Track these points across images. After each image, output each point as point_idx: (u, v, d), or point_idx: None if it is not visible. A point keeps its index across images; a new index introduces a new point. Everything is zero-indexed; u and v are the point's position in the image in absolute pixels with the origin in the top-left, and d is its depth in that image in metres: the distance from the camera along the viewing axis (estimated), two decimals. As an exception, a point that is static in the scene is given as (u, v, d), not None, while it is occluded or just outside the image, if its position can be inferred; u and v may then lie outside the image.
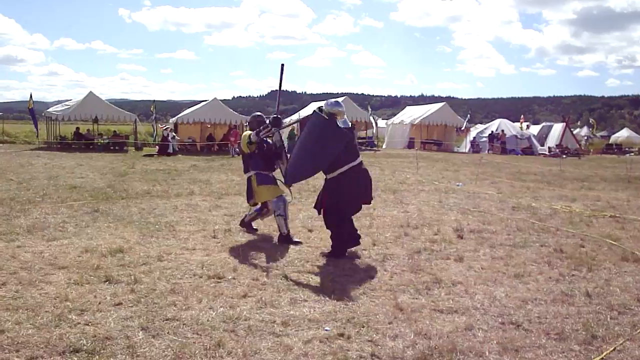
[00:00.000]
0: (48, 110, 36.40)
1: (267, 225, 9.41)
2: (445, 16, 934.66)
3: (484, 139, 38.35)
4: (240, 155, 9.12)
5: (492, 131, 38.85)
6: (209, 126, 35.30)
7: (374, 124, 37.96)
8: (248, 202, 8.98)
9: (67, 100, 37.57)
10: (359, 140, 35.85)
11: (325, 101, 7.86)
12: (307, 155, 7.46)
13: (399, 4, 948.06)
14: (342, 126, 7.44)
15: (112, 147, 31.65)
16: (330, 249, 7.58)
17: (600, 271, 6.95)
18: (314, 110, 7.62)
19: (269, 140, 8.60)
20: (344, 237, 7.51)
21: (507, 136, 37.45)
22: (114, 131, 36.49)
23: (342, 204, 7.47)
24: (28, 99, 34.97)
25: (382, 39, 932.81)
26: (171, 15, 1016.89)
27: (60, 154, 26.40)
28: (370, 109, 39.34)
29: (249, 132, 8.60)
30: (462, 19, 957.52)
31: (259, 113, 9.47)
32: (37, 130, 35.17)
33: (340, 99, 31.95)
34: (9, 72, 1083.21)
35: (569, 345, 4.62)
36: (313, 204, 8.21)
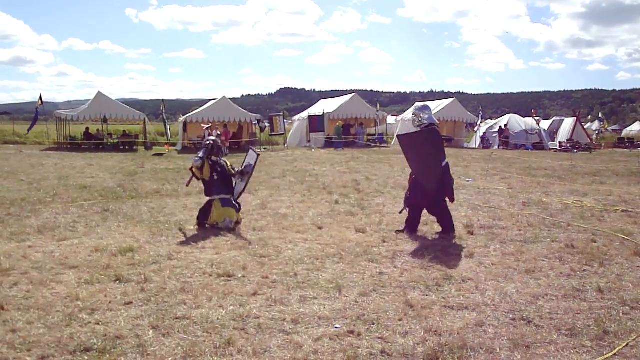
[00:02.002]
0: (57, 110, 36.58)
1: (275, 224, 9.41)
2: (452, 11, 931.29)
3: (495, 135, 38.15)
4: (201, 178, 9.55)
5: (500, 126, 38.65)
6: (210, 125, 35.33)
7: (377, 121, 37.75)
8: (200, 221, 9.22)
9: (77, 102, 37.77)
10: (368, 137, 35.83)
11: (418, 108, 9.25)
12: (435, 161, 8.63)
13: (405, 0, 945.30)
14: (428, 122, 8.84)
15: (121, 147, 31.77)
16: (446, 227, 8.72)
17: (612, 266, 6.89)
18: (431, 126, 8.78)
19: (226, 161, 9.63)
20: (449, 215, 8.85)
21: (516, 131, 37.23)
22: (124, 131, 36.58)
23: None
24: (38, 100, 35.12)
25: (390, 36, 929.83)
26: (178, 14, 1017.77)
27: (71, 154, 26.55)
28: (378, 106, 39.13)
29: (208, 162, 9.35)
30: (469, 14, 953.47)
31: (212, 139, 9.90)
32: (29, 130, 35.35)
33: (349, 96, 31.66)
34: (19, 73, 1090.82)
35: (580, 341, 4.59)
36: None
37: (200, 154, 9.27)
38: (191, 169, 9.50)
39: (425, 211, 8.91)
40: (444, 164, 8.60)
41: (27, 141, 36.21)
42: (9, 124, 40.97)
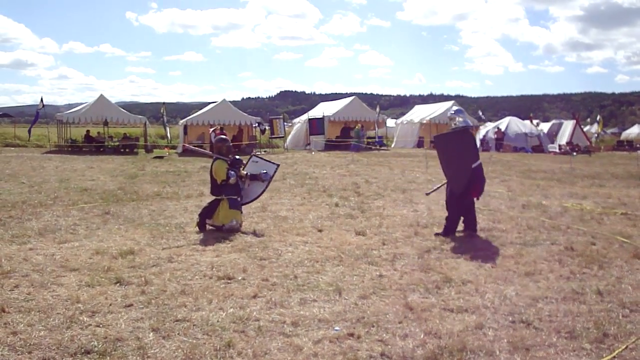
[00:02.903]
0: (59, 113, 36.62)
1: (275, 226, 9.43)
2: (451, 14, 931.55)
3: (494, 137, 38.18)
4: (210, 178, 9.60)
5: (499, 128, 38.71)
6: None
7: (376, 124, 37.78)
8: (202, 220, 9.23)
9: (78, 104, 37.86)
10: (368, 140, 35.84)
11: (453, 112, 9.40)
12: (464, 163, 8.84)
13: (404, 3, 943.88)
14: (463, 125, 9.10)
15: (122, 150, 31.80)
16: (472, 226, 8.98)
17: (611, 269, 6.90)
18: (462, 129, 9.06)
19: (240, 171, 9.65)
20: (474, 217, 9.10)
21: (516, 134, 37.27)
22: (124, 134, 36.63)
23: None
24: (39, 103, 35.18)
25: (389, 39, 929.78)
26: (178, 17, 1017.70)
27: (71, 157, 26.57)
28: (378, 109, 39.19)
29: (225, 164, 9.32)
30: (468, 17, 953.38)
31: (224, 137, 10.21)
32: (29, 133, 35.56)
33: (349, 99, 31.73)
34: (20, 76, 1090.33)
35: (580, 344, 4.60)
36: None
37: (232, 172, 9.30)
38: (227, 181, 9.28)
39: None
40: (475, 165, 8.77)
41: (29, 144, 36.23)
42: (10, 127, 41.00)
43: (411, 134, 40.16)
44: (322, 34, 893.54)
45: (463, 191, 8.84)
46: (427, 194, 10.61)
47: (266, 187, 9.99)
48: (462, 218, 9.06)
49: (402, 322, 5.09)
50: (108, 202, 12.09)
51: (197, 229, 9.16)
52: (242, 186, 9.64)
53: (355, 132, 34.04)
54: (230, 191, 9.27)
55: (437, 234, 8.84)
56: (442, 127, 39.33)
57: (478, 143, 37.90)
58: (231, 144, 9.95)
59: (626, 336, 4.75)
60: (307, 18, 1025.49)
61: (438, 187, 9.82)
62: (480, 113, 41.81)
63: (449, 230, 8.86)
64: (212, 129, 31.67)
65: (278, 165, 10.23)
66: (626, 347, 4.51)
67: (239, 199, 9.37)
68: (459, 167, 8.91)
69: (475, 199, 9.10)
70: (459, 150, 8.93)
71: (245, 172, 9.72)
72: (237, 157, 9.84)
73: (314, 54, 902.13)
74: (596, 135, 48.08)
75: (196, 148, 13.16)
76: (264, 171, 9.87)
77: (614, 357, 4.36)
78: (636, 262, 7.21)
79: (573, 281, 6.39)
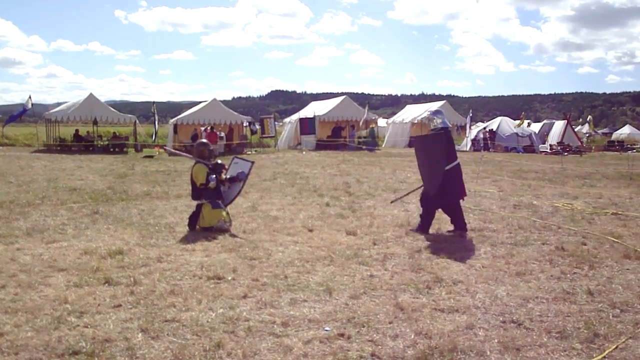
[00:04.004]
0: (47, 112, 36.38)
1: (266, 226, 9.39)
2: (442, 14, 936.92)
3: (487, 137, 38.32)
4: (191, 184, 9.54)
5: (492, 129, 38.82)
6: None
7: (366, 124, 37.83)
8: (191, 227, 9.16)
9: (66, 103, 37.60)
10: (359, 139, 35.87)
11: (431, 112, 9.46)
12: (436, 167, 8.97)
13: (395, 2, 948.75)
14: (441, 125, 9.04)
15: (111, 149, 31.65)
16: (461, 226, 9.00)
17: (602, 269, 6.91)
18: (441, 130, 9.03)
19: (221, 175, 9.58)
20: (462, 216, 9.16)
21: (507, 134, 37.41)
22: (114, 133, 36.46)
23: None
24: (27, 100, 34.91)
25: (380, 38, 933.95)
26: (168, 16, 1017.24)
27: (60, 156, 26.41)
28: (367, 109, 39.23)
29: (206, 168, 9.25)
30: (459, 17, 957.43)
31: (204, 141, 10.09)
32: (8, 121, 35.55)
33: (340, 99, 31.74)
34: (8, 74, 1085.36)
35: (570, 344, 4.59)
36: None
37: (213, 176, 9.23)
38: (206, 185, 9.20)
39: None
40: (451, 166, 8.90)
41: (17, 143, 36.00)
42: (-2, 126, 40.70)
43: (402, 133, 40.25)
44: (312, 33, 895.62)
45: (437, 192, 8.88)
46: (392, 202, 10.57)
47: (242, 185, 9.89)
48: (449, 219, 9.17)
49: (393, 322, 5.07)
50: (97, 201, 12.00)
51: (187, 229, 9.11)
52: (224, 189, 9.60)
53: (370, 131, 34.50)
54: (210, 195, 9.22)
55: (412, 230, 9.03)
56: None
57: (469, 143, 38.32)
58: (212, 147, 9.88)
59: (616, 336, 4.75)
60: (297, 17, 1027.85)
61: (403, 196, 9.81)
62: (470, 113, 41.61)
63: (422, 227, 9.01)
64: (203, 128, 31.63)
65: (253, 163, 10.16)
66: (616, 347, 4.51)
67: (219, 201, 9.30)
68: (432, 169, 9.04)
69: (461, 199, 9.20)
70: (434, 152, 9.01)
71: (226, 176, 9.65)
72: (219, 161, 9.78)
73: (305, 53, 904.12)
74: (587, 135, 48.35)
75: (176, 151, 13.15)
76: (240, 170, 9.83)
77: (605, 357, 4.36)
78: (627, 262, 7.23)
79: (564, 281, 6.40)
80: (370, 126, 35.23)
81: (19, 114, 35.24)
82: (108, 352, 4.35)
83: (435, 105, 39.10)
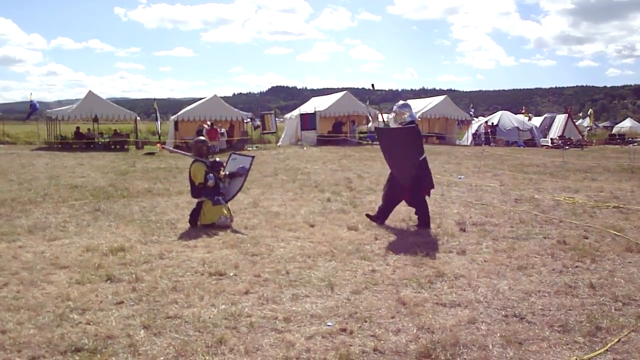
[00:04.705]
0: (48, 110, 36.34)
1: (267, 222, 9.39)
2: (442, 8, 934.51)
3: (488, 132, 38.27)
4: (190, 182, 9.55)
5: (492, 123, 38.78)
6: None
7: (369, 119, 37.69)
8: (192, 224, 9.16)
9: (68, 101, 37.69)
10: (361, 135, 35.79)
11: (399, 106, 9.41)
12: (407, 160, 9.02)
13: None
14: (410, 119, 9.17)
15: (112, 146, 31.62)
16: (424, 222, 9.01)
17: (604, 262, 6.91)
18: (410, 124, 9.12)
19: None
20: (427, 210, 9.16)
21: (508, 128, 37.38)
22: (115, 130, 36.42)
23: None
24: (29, 99, 34.93)
25: (380, 33, 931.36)
26: (167, 12, 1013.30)
27: (61, 153, 26.39)
28: (368, 103, 39.11)
29: (204, 167, 9.31)
30: (459, 11, 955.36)
31: (203, 138, 10.07)
32: (28, 117, 35.79)
33: (340, 94, 31.62)
34: (8, 72, 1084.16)
35: (573, 337, 4.60)
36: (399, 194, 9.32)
37: (211, 175, 9.24)
38: (205, 184, 9.23)
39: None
40: (421, 158, 8.94)
41: (18, 141, 36.00)
42: (-1, 124, 40.70)
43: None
44: (312, 28, 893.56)
45: (412, 183, 8.96)
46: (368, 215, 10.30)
47: (244, 180, 9.89)
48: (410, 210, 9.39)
49: (395, 317, 5.07)
50: (98, 198, 12.01)
51: (188, 225, 9.11)
52: (223, 186, 9.60)
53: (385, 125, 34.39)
54: (210, 192, 9.23)
55: (367, 215, 9.37)
56: (434, 121, 39.59)
57: (470, 137, 38.29)
58: (211, 144, 9.88)
59: (619, 329, 4.75)
60: (297, 13, 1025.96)
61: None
62: (472, 108, 41.43)
63: (378, 217, 9.23)
64: (207, 126, 31.61)
65: (253, 157, 10.15)
66: (619, 340, 4.51)
67: (219, 197, 9.30)
68: (406, 161, 9.05)
69: (427, 195, 9.28)
70: (407, 145, 9.03)
71: (224, 173, 9.67)
72: (218, 159, 9.79)
73: (305, 48, 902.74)
74: (588, 128, 48.24)
75: (175, 150, 13.15)
76: (241, 165, 9.82)
77: (607, 350, 4.36)
78: (628, 256, 7.23)
79: (566, 275, 6.40)
80: (386, 121, 35.21)
81: (32, 112, 35.32)
82: (110, 348, 4.36)
83: (436, 100, 39.07)
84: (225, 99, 39.69)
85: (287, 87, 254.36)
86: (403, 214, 10.01)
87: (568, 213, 10.33)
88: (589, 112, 52.30)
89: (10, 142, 35.60)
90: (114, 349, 4.36)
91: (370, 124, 37.83)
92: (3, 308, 5.23)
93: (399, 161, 9.25)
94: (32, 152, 27.64)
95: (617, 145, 38.11)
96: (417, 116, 40.71)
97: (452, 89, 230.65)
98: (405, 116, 9.19)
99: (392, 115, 9.66)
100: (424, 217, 9.08)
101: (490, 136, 36.60)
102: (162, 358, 4.23)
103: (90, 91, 33.54)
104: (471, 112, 39.70)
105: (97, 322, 4.88)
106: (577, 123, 44.93)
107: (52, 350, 4.33)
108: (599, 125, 61.02)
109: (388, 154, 9.50)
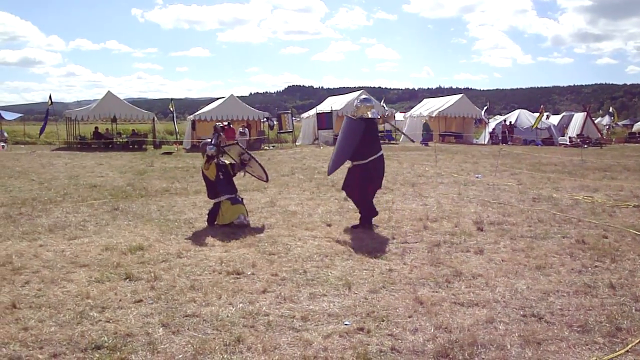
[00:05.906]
0: (67, 110, 36.77)
1: (284, 221, 9.42)
2: (458, 7, 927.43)
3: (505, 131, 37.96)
4: (205, 182, 9.66)
5: (510, 122, 38.46)
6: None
7: (385, 118, 37.62)
8: (210, 223, 9.22)
9: (87, 101, 38.07)
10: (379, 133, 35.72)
11: (360, 100, 9.51)
12: (339, 151, 9.14)
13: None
14: (371, 116, 9.12)
15: (131, 146, 31.89)
16: (361, 218, 9.00)
17: (623, 262, 6.84)
18: (365, 119, 9.06)
19: (225, 161, 9.74)
20: (370, 210, 9.07)
21: (525, 127, 37.08)
22: (133, 130, 36.75)
23: (371, 185, 9.06)
24: (47, 100, 35.32)
25: (396, 32, 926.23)
26: (183, 13, 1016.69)
27: (80, 153, 26.66)
28: (383, 102, 39.02)
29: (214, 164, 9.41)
30: (475, 9, 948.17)
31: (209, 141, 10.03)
32: (41, 131, 35.74)
33: (356, 93, 31.67)
34: (28, 74, 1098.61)
35: (592, 338, 4.55)
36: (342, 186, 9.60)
37: (213, 141, 9.36)
38: (207, 158, 9.34)
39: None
40: (377, 156, 8.93)
41: (38, 141, 36.43)
42: (20, 125, 41.24)
43: (420, 127, 40.00)
44: (328, 28, 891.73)
45: (361, 182, 8.95)
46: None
47: (255, 161, 9.86)
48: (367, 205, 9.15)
49: (412, 316, 5.06)
50: (117, 198, 12.12)
51: (205, 224, 9.17)
52: (241, 170, 9.75)
53: (424, 126, 35.16)
54: (226, 190, 9.29)
55: (354, 226, 8.98)
56: (451, 120, 39.39)
57: (487, 136, 37.99)
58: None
59: (639, 330, 4.69)
60: (312, 12, 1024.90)
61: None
62: (485, 110, 39.93)
63: (370, 215, 9.09)
64: (220, 125, 31.74)
65: (236, 143, 10.37)
66: (639, 341, 4.46)
67: (237, 196, 9.38)
68: (340, 151, 9.12)
69: (355, 198, 9.21)
70: (351, 137, 8.97)
71: (234, 169, 9.73)
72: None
73: (321, 48, 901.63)
74: (607, 127, 47.66)
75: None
76: (241, 152, 9.95)
77: (628, 350, 4.31)
78: (649, 255, 7.13)
79: (585, 274, 6.34)
80: (424, 122, 35.49)
81: (46, 120, 35.69)
82: (130, 346, 4.40)
83: (453, 99, 38.83)
84: (242, 98, 39.85)
85: (303, 86, 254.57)
86: (420, 213, 10.00)
87: (587, 212, 10.24)
88: (610, 110, 51.67)
89: (31, 143, 36.06)
90: (133, 346, 4.40)
91: (385, 123, 37.78)
92: (25, 305, 5.31)
93: (337, 149, 9.27)
94: (52, 152, 27.96)
95: (637, 144, 37.62)
96: (415, 115, 40.82)
97: (469, 87, 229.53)
98: (373, 112, 9.19)
99: (354, 107, 9.58)
100: (362, 216, 9.06)
101: (507, 135, 36.31)
102: (180, 356, 4.26)
103: (109, 92, 33.91)
104: (484, 114, 38.61)
105: (116, 320, 4.94)
106: (595, 121, 44.45)
107: (73, 347, 4.39)
108: (619, 123, 60.23)
109: (338, 141, 9.48)
